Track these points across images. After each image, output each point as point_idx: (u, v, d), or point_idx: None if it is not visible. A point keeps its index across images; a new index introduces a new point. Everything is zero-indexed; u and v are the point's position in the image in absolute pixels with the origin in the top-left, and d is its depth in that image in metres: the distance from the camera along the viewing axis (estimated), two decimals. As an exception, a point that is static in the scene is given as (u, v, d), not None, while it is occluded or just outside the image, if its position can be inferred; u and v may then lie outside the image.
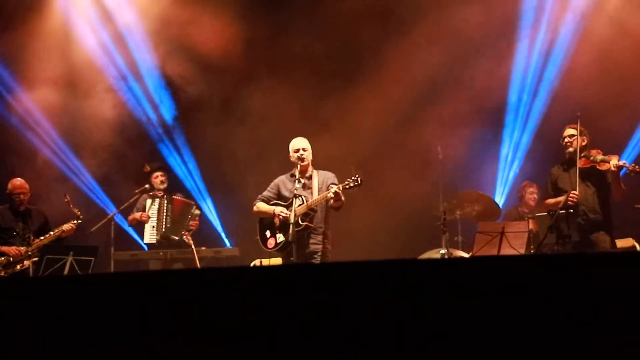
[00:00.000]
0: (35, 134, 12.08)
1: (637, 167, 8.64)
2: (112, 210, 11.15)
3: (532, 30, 11.90)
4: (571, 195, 8.70)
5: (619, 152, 10.30)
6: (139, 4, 12.40)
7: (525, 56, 11.94)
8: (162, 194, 10.91)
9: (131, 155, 12.18)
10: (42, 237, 9.72)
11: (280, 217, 8.75)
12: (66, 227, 9.79)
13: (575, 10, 11.64)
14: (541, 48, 11.85)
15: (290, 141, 9.08)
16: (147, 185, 10.79)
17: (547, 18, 11.75)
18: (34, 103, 12.11)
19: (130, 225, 11.16)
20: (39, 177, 10.94)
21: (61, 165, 12.14)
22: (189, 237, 10.26)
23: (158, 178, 10.92)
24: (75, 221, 9.86)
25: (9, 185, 9.96)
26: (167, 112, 12.82)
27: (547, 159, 9.07)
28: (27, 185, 10.03)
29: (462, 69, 11.62)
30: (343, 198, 8.51)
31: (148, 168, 11.10)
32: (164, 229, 10.68)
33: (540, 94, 11.83)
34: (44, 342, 3.75)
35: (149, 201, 10.80)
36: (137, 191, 10.74)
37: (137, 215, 10.76)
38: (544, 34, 11.80)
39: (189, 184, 12.69)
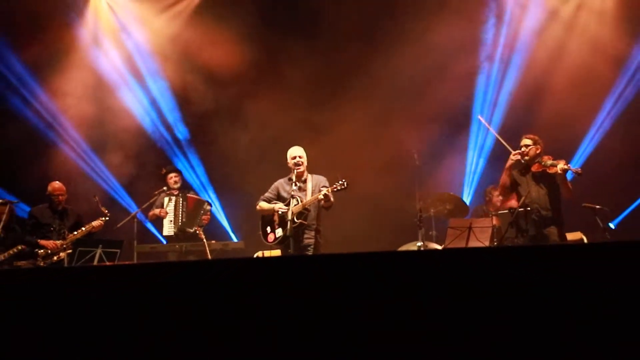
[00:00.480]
0: (69, 145, 12.22)
1: (579, 170, 8.73)
2: (134, 209, 11.20)
3: (491, 53, 12.06)
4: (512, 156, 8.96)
5: (569, 158, 10.52)
6: (156, 25, 12.60)
7: (486, 75, 12.14)
8: (178, 192, 10.97)
9: (150, 161, 12.25)
10: (75, 232, 9.82)
11: (279, 212, 8.86)
12: (96, 223, 9.86)
13: (526, 35, 11.93)
14: (499, 68, 12.04)
15: (287, 148, 9.22)
16: (164, 187, 10.86)
17: (502, 42, 12.01)
18: (69, 120, 12.24)
19: (150, 220, 11.23)
20: (72, 181, 10.94)
21: (90, 172, 12.29)
22: (201, 232, 10.27)
23: (172, 179, 11.01)
24: (103, 218, 9.93)
25: (49, 188, 10.09)
26: (180, 122, 12.86)
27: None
28: (64, 188, 10.17)
29: (436, 86, 11.53)
30: (332, 199, 8.67)
31: (164, 170, 11.19)
32: (180, 223, 10.73)
33: (499, 106, 11.94)
34: (80, 316, 3.96)
35: (166, 199, 10.88)
36: (155, 192, 10.80)
37: (157, 211, 10.84)
38: (500, 57, 12.01)
39: (199, 186, 12.67)
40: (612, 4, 11.58)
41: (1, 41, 11.90)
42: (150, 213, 10.97)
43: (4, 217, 9.66)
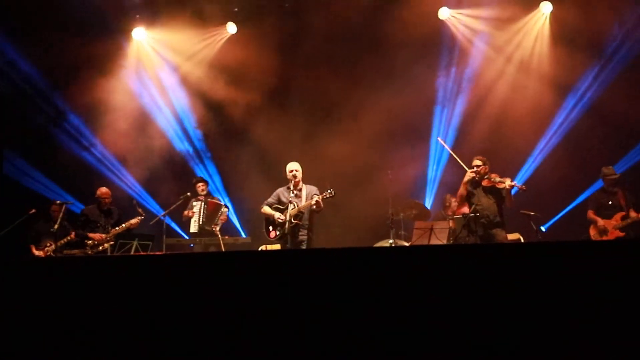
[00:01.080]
0: (109, 169, 12.31)
1: (524, 187, 8.99)
2: (161, 212, 11.12)
3: (447, 97, 12.17)
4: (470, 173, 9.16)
5: (513, 175, 10.68)
6: (186, 70, 12.58)
7: (440, 115, 12.18)
8: (203, 197, 11.06)
9: (176, 171, 12.34)
10: (116, 228, 9.95)
11: (278, 221, 9.04)
12: (133, 221, 9.99)
13: (477, 70, 12.03)
14: (455, 99, 12.12)
15: (286, 162, 9.36)
16: (188, 193, 10.90)
17: (459, 77, 12.10)
18: (109, 143, 12.22)
19: (183, 219, 11.14)
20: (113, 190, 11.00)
21: (124, 186, 12.33)
22: (217, 230, 10.44)
23: (200, 187, 11.10)
24: (139, 217, 10.06)
25: (98, 192, 10.28)
26: (201, 139, 12.85)
27: (459, 178, 9.28)
28: (110, 192, 10.40)
29: (405, 113, 11.58)
30: (322, 205, 8.88)
31: (194, 179, 11.34)
32: (201, 222, 10.83)
33: (450, 133, 12.02)
34: (119, 292, 4.10)
35: (194, 203, 11.01)
36: (181, 197, 10.83)
37: (188, 212, 10.95)
38: (456, 89, 12.12)
39: (215, 190, 12.59)
40: (548, 47, 11.63)
41: (45, 80, 11.88)
42: (184, 213, 11.02)
43: (60, 215, 9.84)
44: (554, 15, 11.58)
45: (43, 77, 11.79)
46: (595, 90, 11.33)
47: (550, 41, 11.60)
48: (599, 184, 10.36)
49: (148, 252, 9.37)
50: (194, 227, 10.94)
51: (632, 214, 9.70)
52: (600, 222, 9.92)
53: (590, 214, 10.10)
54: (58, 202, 10.36)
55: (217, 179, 12.87)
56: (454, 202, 10.88)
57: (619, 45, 11.18)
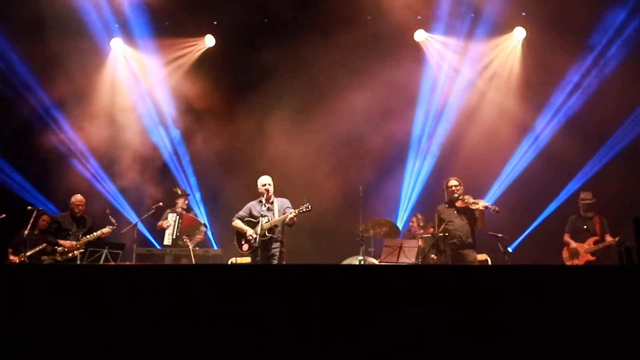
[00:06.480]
0: (86, 169, 12.11)
1: (497, 208, 9.01)
2: (135, 219, 11.05)
3: (425, 109, 12.20)
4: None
5: (483, 196, 10.80)
6: (160, 75, 12.44)
7: (421, 123, 12.16)
8: (180, 210, 10.93)
9: (150, 183, 12.09)
10: (88, 236, 9.77)
11: (249, 238, 8.87)
12: (105, 230, 9.82)
13: (456, 91, 12.07)
14: (430, 123, 12.14)
15: (257, 178, 9.24)
16: (160, 203, 10.74)
17: (436, 94, 12.14)
18: (88, 148, 12.08)
19: (158, 228, 10.98)
20: (88, 197, 10.77)
21: (101, 188, 12.13)
22: (187, 241, 10.20)
23: (182, 201, 11.00)
24: (111, 226, 9.87)
25: (72, 199, 10.13)
26: (179, 154, 12.72)
27: (431, 200, 9.28)
28: (84, 200, 10.21)
29: (380, 133, 11.66)
30: (296, 219, 8.76)
31: (179, 191, 11.17)
32: (175, 236, 10.73)
33: (428, 156, 12.08)
34: (84, 301, 3.96)
35: (170, 215, 10.85)
36: (153, 207, 10.69)
37: (163, 223, 10.79)
38: (431, 113, 12.13)
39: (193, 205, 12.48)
40: (516, 81, 11.85)
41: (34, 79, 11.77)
42: (158, 223, 10.90)
43: (31, 220, 9.66)
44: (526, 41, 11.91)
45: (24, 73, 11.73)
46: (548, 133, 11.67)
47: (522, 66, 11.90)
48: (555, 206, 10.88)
49: (117, 262, 9.17)
50: (168, 240, 10.83)
51: (608, 238, 9.86)
52: (573, 244, 10.11)
53: (566, 237, 10.27)
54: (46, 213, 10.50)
55: (199, 196, 12.66)
56: (413, 224, 11.09)
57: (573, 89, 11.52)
